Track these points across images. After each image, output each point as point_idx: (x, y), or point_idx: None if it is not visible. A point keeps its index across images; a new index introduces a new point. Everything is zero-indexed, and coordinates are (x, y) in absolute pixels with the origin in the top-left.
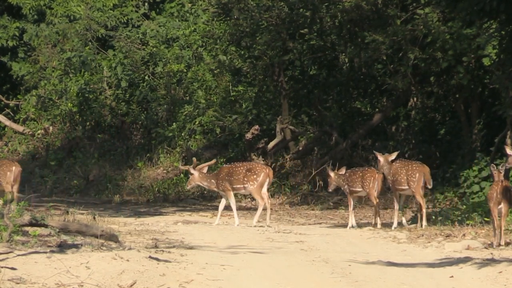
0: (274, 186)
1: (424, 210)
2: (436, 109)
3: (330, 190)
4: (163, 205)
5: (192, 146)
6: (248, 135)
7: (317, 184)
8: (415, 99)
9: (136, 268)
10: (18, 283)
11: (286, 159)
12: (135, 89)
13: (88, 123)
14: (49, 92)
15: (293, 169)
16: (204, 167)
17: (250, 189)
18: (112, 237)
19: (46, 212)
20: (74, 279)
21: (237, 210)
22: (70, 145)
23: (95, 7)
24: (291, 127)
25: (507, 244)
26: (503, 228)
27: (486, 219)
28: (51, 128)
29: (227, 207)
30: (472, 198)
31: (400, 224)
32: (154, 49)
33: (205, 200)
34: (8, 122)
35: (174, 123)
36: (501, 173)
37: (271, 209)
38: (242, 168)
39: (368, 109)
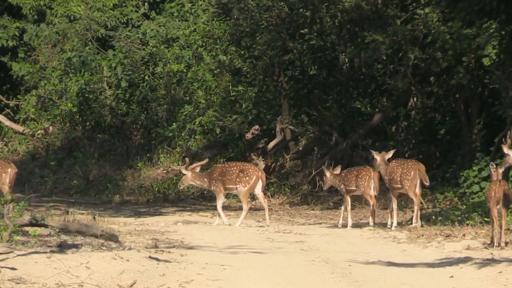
0: (274, 186)
1: (417, 207)
2: (436, 109)
3: (324, 189)
4: (163, 205)
5: (192, 146)
6: (248, 135)
7: (317, 184)
8: (415, 99)
9: (136, 268)
10: (18, 283)
11: (286, 159)
12: (135, 89)
13: (88, 123)
14: (49, 92)
15: (293, 169)
16: (197, 166)
17: (239, 191)
18: (112, 237)
19: (46, 212)
20: (74, 279)
21: (235, 210)
22: (70, 145)
23: (95, 7)
24: (291, 127)
25: (506, 243)
26: (503, 228)
27: (486, 219)
28: (51, 128)
29: (227, 207)
30: (472, 198)
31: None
32: (154, 49)
33: (205, 200)
34: (8, 122)
35: (174, 123)
36: (499, 172)
37: (271, 209)
38: (235, 168)
39: (368, 109)
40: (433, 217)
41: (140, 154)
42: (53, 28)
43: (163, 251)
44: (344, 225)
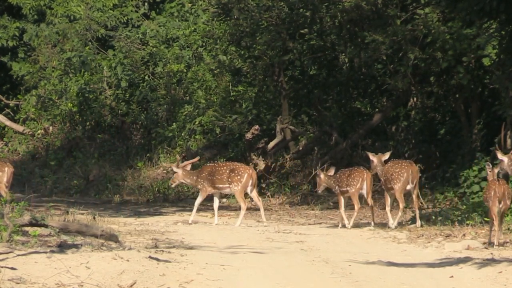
0: (274, 186)
1: (400, 213)
2: (436, 109)
3: (319, 192)
4: (163, 205)
5: (192, 146)
6: (248, 135)
7: (317, 184)
8: (415, 99)
9: (136, 268)
10: (18, 283)
11: (286, 159)
12: (135, 89)
13: (88, 123)
14: (49, 92)
15: (293, 169)
16: (188, 164)
17: (234, 191)
18: (112, 237)
19: (46, 212)
20: (74, 279)
21: (235, 210)
22: (70, 145)
23: (95, 7)
24: (291, 127)
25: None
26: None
27: (486, 219)
28: (51, 128)
29: (227, 207)
30: (472, 198)
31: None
32: (154, 49)
33: (205, 200)
34: (8, 122)
35: (174, 123)
36: (495, 172)
37: (270, 209)
38: (225, 168)
39: (368, 109)
40: (433, 217)
41: (140, 154)
42: (53, 28)
43: (163, 251)
44: (345, 226)
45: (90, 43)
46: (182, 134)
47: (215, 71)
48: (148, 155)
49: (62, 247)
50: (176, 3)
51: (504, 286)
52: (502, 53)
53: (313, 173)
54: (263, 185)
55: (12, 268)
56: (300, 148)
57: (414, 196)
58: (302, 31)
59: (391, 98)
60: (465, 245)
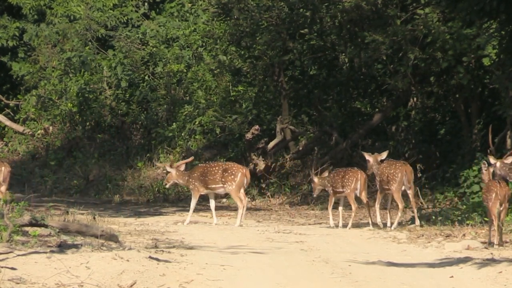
0: (274, 186)
1: (400, 213)
2: (436, 109)
3: (314, 195)
4: (163, 205)
5: (192, 146)
6: (248, 135)
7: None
8: (415, 99)
9: (136, 268)
10: (18, 283)
11: (286, 159)
12: (135, 89)
13: (88, 123)
14: (49, 92)
15: (293, 169)
16: (181, 164)
17: (229, 190)
18: (112, 237)
19: (46, 212)
20: (74, 279)
21: (235, 210)
22: (70, 145)
23: (95, 7)
24: (291, 127)
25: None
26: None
27: (486, 219)
28: (51, 128)
29: (227, 207)
30: (472, 198)
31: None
32: (154, 49)
33: (205, 200)
34: (8, 122)
35: (174, 123)
36: (490, 171)
37: (271, 209)
38: (217, 168)
39: (368, 109)
40: (433, 217)
41: (140, 154)
42: (53, 28)
43: (163, 251)
44: (344, 225)
45: (90, 43)
46: (182, 134)
47: (215, 71)
48: (148, 155)
49: (62, 247)
50: (176, 3)
51: (504, 286)
52: (502, 53)
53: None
54: (263, 185)
55: (12, 268)
56: (300, 148)
57: (411, 196)
58: (302, 31)
59: (391, 98)
60: (465, 245)
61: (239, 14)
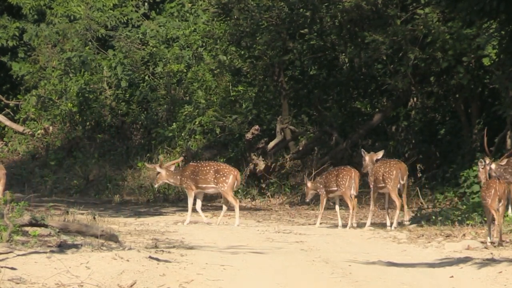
0: (274, 186)
1: (398, 211)
2: (436, 109)
3: (307, 200)
4: (163, 205)
5: (192, 146)
6: (248, 135)
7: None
8: (415, 99)
9: (136, 268)
10: (18, 283)
11: (286, 159)
12: (135, 89)
13: (88, 123)
14: (49, 92)
15: (293, 169)
16: (171, 165)
17: (222, 191)
18: (112, 237)
19: (46, 212)
20: (74, 279)
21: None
22: (70, 145)
23: (95, 7)
24: (291, 127)
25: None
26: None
27: (486, 219)
28: (51, 128)
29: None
30: (472, 198)
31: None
32: (154, 49)
33: (205, 200)
34: (8, 122)
35: (174, 123)
36: (487, 169)
37: (271, 209)
38: (209, 168)
39: (368, 109)
40: (433, 217)
41: (140, 154)
42: (53, 28)
43: (163, 251)
44: (344, 225)
45: (90, 43)
46: (182, 134)
47: (215, 71)
48: (148, 155)
49: (62, 247)
50: (176, 3)
51: (504, 286)
52: (502, 53)
53: (313, 173)
54: (263, 185)
55: (12, 268)
56: (300, 148)
57: (404, 194)
58: (302, 31)
59: (391, 98)
60: (465, 245)
61: (239, 14)
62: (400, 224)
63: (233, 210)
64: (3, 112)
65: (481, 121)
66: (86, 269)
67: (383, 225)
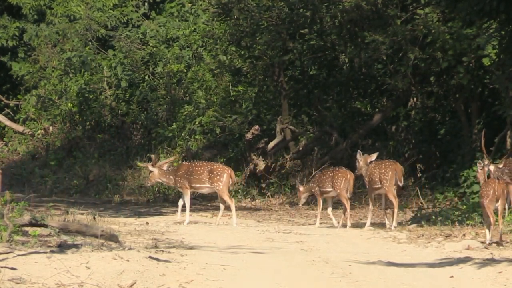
0: (274, 186)
1: (396, 210)
2: (436, 109)
3: (300, 205)
4: (163, 205)
5: (192, 146)
6: (248, 135)
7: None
8: (415, 99)
9: (136, 268)
10: (18, 283)
11: (286, 159)
12: (135, 89)
13: (88, 123)
14: (49, 92)
15: (293, 169)
16: (164, 164)
17: (217, 191)
18: (112, 237)
19: (46, 212)
20: (74, 279)
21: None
22: (70, 145)
23: (95, 7)
24: (291, 127)
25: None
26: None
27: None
28: (51, 128)
29: (227, 207)
30: (472, 198)
31: (382, 224)
32: (154, 49)
33: (205, 200)
34: (8, 122)
35: (174, 123)
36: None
37: (271, 209)
38: (202, 168)
39: (368, 109)
40: (433, 217)
41: (140, 154)
42: (53, 28)
43: (163, 251)
44: (344, 225)
45: (90, 43)
46: (182, 134)
47: (215, 71)
48: (148, 155)
49: (62, 247)
50: (176, 3)
51: (504, 286)
52: (502, 53)
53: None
54: (263, 185)
55: (12, 268)
56: (300, 148)
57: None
58: (302, 31)
59: (391, 98)
60: (465, 245)
61: (239, 14)
62: (400, 224)
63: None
64: (3, 112)
65: (481, 121)
66: (86, 269)
67: (383, 225)
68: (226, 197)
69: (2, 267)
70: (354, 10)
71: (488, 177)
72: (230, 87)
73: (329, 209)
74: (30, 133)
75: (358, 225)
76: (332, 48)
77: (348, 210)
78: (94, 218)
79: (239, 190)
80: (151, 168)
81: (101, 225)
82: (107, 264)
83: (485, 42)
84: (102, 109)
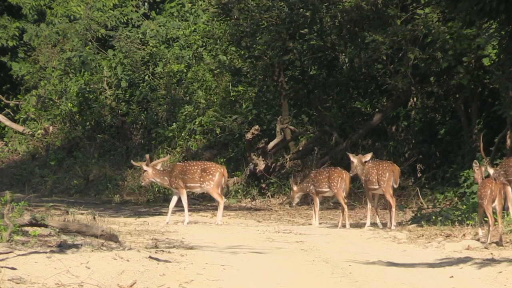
0: (274, 186)
1: (393, 210)
2: (436, 109)
3: (293, 205)
4: (163, 205)
5: (192, 146)
6: (248, 135)
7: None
8: (415, 99)
9: (136, 268)
10: (18, 283)
11: (286, 159)
12: (135, 89)
13: (88, 123)
14: (49, 92)
15: (293, 169)
16: (158, 163)
17: (207, 189)
18: (112, 237)
19: (46, 212)
20: (74, 279)
21: (235, 210)
22: (70, 145)
23: (95, 7)
24: (291, 127)
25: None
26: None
27: (486, 219)
28: (51, 128)
29: (227, 207)
30: (472, 198)
31: (374, 224)
32: (154, 49)
33: (205, 200)
34: (8, 122)
35: (174, 123)
36: (482, 170)
37: (271, 209)
38: (196, 167)
39: (368, 109)
40: (433, 217)
41: (140, 154)
42: (53, 28)
43: (163, 251)
44: (344, 225)
45: (90, 43)
46: (182, 134)
47: (215, 71)
48: (148, 155)
49: (62, 247)
50: (176, 3)
51: (504, 286)
52: (502, 53)
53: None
54: (263, 185)
55: (12, 268)
56: (300, 148)
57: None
58: (302, 31)
59: (391, 98)
60: (465, 245)
61: (239, 14)
62: (400, 224)
63: (232, 210)
64: (3, 112)
65: (481, 121)
66: (86, 269)
67: (383, 225)
68: (216, 195)
69: (2, 267)
70: (354, 10)
71: (487, 177)
72: (230, 87)
73: (317, 208)
74: (30, 133)
75: (358, 225)
76: (332, 48)
77: (346, 209)
78: (94, 218)
79: (239, 190)
80: (145, 167)
81: (101, 225)
82: (107, 264)
83: (485, 42)
84: (102, 109)
